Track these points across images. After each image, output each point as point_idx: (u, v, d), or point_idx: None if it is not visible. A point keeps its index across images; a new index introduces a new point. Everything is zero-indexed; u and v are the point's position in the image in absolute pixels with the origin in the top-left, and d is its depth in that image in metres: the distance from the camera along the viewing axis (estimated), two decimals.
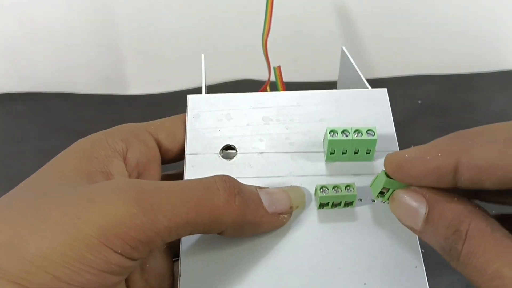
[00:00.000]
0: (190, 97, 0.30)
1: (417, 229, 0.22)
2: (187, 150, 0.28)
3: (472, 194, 0.23)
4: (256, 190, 0.24)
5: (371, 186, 0.25)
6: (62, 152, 0.24)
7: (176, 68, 0.62)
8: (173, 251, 0.26)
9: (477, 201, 0.22)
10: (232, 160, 0.27)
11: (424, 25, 0.60)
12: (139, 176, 0.26)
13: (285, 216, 0.25)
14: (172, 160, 0.28)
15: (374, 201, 0.26)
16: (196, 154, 0.28)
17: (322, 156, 0.28)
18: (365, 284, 0.24)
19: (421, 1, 0.58)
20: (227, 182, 0.22)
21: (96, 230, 0.19)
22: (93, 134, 0.26)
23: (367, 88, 0.33)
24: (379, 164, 0.27)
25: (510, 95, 0.61)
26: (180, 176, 0.29)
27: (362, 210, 0.26)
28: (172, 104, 0.61)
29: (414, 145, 0.22)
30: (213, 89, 0.60)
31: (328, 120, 0.29)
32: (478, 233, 0.19)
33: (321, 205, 0.26)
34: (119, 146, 0.25)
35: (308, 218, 0.26)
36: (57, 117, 0.59)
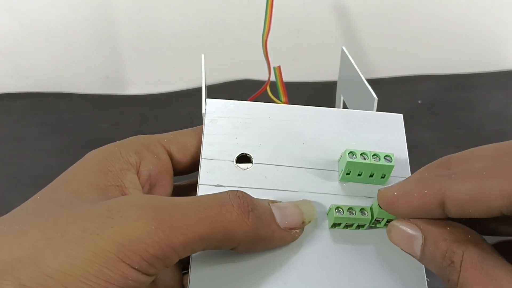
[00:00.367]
0: (209, 101, 0.29)
1: (416, 256, 0.22)
2: (203, 154, 0.27)
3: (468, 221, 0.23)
4: (269, 204, 0.24)
5: (370, 207, 0.25)
6: (76, 164, 0.25)
7: (176, 68, 0.62)
8: (182, 263, 0.26)
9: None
10: (247, 169, 0.27)
11: (424, 25, 0.60)
12: (151, 188, 0.26)
13: (297, 231, 0.25)
14: (184, 172, 0.28)
15: (374, 225, 0.26)
16: (211, 159, 0.27)
17: (336, 175, 0.27)
18: None
19: (421, 1, 0.58)
20: (241, 199, 0.22)
21: (115, 246, 0.19)
22: (106, 146, 0.26)
23: (367, 88, 0.33)
24: None
25: (510, 94, 0.61)
26: (192, 187, 0.29)
27: (373, 233, 0.26)
28: (172, 104, 0.61)
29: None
30: (213, 89, 0.60)
31: (344, 140, 0.29)
32: (470, 265, 0.20)
33: (334, 225, 0.26)
34: (132, 158, 0.25)
35: (319, 236, 0.26)
36: (57, 117, 0.59)
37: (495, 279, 0.19)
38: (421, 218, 0.22)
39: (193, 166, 0.28)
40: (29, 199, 0.23)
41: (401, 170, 0.28)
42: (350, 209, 0.25)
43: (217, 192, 0.24)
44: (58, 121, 0.59)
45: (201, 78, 0.32)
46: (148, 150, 0.26)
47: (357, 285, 0.24)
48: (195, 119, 0.58)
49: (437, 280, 0.22)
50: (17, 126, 0.58)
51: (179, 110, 0.60)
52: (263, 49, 0.40)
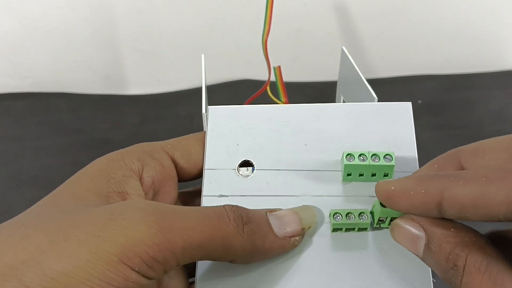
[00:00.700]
0: (210, 109, 0.29)
1: (419, 256, 0.22)
2: (206, 165, 0.28)
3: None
4: (266, 214, 0.24)
5: (371, 212, 0.25)
6: (80, 171, 0.25)
7: (176, 68, 0.62)
8: (188, 271, 0.26)
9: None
10: (249, 176, 0.27)
11: (424, 25, 0.60)
12: (155, 194, 0.26)
13: (297, 238, 0.25)
14: (189, 178, 0.28)
15: (379, 225, 0.25)
16: (214, 169, 0.27)
17: (339, 175, 0.27)
18: None
19: (421, 1, 0.58)
20: (236, 212, 0.23)
21: (117, 248, 0.19)
22: (110, 154, 0.26)
23: (367, 88, 0.33)
24: None
25: (510, 94, 0.61)
26: (197, 193, 0.29)
27: (376, 235, 0.25)
28: (172, 104, 0.61)
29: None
30: (213, 89, 0.60)
31: (348, 137, 0.28)
32: (474, 269, 0.19)
33: (335, 229, 0.26)
34: (135, 165, 0.26)
35: (321, 241, 0.25)
36: (57, 117, 0.59)
37: (499, 284, 0.19)
38: (426, 218, 0.22)
39: (198, 172, 0.28)
40: (33, 205, 0.23)
41: (409, 165, 0.27)
42: (348, 214, 0.25)
43: (220, 202, 0.25)
44: (58, 121, 0.59)
45: (201, 78, 0.32)
46: (151, 157, 0.26)
47: None
48: (195, 119, 0.58)
49: (442, 281, 0.22)
50: (17, 126, 0.58)
51: (179, 110, 0.60)
52: (263, 49, 0.40)
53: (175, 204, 0.28)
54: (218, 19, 0.58)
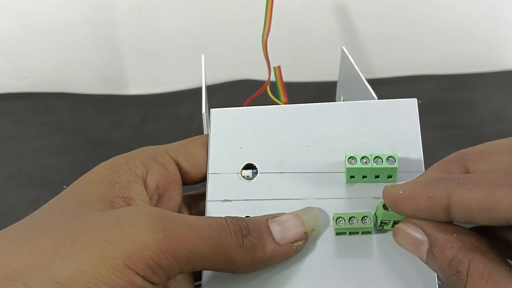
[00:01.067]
0: (213, 112, 0.29)
1: (423, 259, 0.22)
2: (209, 169, 0.27)
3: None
4: (267, 222, 0.24)
5: (375, 214, 0.25)
6: (84, 176, 0.25)
7: (176, 68, 0.62)
8: (195, 274, 0.26)
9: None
10: (253, 180, 0.27)
11: (424, 25, 0.60)
12: (160, 198, 0.26)
13: (300, 243, 0.24)
14: (193, 182, 0.28)
15: (382, 227, 0.25)
16: (218, 173, 0.27)
17: (343, 177, 0.27)
18: None
19: (421, 1, 0.58)
20: (236, 225, 0.23)
21: (122, 253, 0.19)
22: (114, 158, 0.26)
23: (367, 88, 0.33)
24: None
25: (510, 94, 0.61)
26: (201, 196, 0.29)
27: (380, 238, 0.25)
28: (172, 104, 0.61)
29: None
30: (213, 89, 0.60)
31: (351, 136, 0.27)
32: (477, 276, 0.19)
33: (338, 233, 0.25)
34: (139, 170, 0.25)
35: (325, 245, 0.25)
36: (57, 117, 0.59)
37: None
38: (428, 222, 0.22)
39: (202, 176, 0.28)
40: (38, 209, 0.23)
41: (414, 164, 0.26)
42: (351, 218, 0.25)
43: (224, 207, 0.25)
44: (58, 121, 0.59)
45: (201, 78, 0.32)
46: (156, 161, 0.26)
47: None
48: (195, 119, 0.58)
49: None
50: (17, 126, 0.58)
51: (179, 110, 0.60)
52: (263, 49, 0.40)
53: (179, 207, 0.28)
54: (218, 19, 0.58)
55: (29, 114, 0.60)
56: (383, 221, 0.24)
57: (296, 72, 0.61)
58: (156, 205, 0.26)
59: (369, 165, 0.25)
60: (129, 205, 0.24)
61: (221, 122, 0.29)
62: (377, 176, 0.26)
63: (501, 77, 0.63)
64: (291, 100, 0.40)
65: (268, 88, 0.42)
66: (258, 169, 0.27)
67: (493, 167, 0.22)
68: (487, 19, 0.60)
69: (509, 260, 0.20)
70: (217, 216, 0.24)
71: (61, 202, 0.23)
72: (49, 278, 0.18)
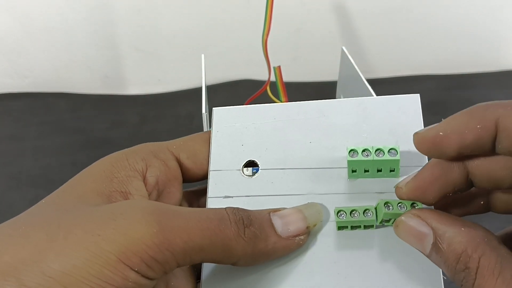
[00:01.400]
0: (215, 110, 0.29)
1: (425, 253, 0.21)
2: (211, 166, 0.27)
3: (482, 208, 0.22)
4: (269, 215, 0.24)
5: (375, 208, 0.24)
6: (83, 170, 0.25)
7: (176, 68, 0.62)
8: (196, 272, 0.26)
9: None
10: (254, 176, 0.27)
11: (424, 24, 0.60)
12: (159, 194, 0.26)
13: (302, 237, 0.24)
14: (195, 180, 0.28)
15: (382, 224, 0.25)
16: (219, 170, 0.27)
17: (345, 172, 0.26)
18: None
19: (421, 1, 0.58)
20: (237, 215, 0.22)
21: (115, 247, 0.19)
22: (114, 153, 0.26)
23: (367, 88, 0.33)
24: None
25: (510, 94, 0.61)
26: (202, 192, 0.29)
27: (382, 232, 0.25)
28: (172, 104, 0.61)
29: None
30: (213, 89, 0.60)
31: (354, 132, 0.27)
32: (487, 272, 0.19)
33: (340, 228, 0.25)
34: (139, 165, 0.25)
35: (327, 240, 0.25)
36: (57, 117, 0.59)
37: None
38: (433, 214, 0.21)
39: (204, 173, 0.28)
40: (35, 204, 0.23)
41: (418, 158, 0.26)
42: (353, 211, 0.24)
43: (225, 203, 0.25)
44: (58, 121, 0.59)
45: (201, 78, 0.32)
46: (156, 157, 0.26)
47: None
48: (195, 119, 0.58)
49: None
50: (17, 126, 0.58)
51: (179, 110, 0.60)
52: (263, 49, 0.40)
53: (179, 204, 0.27)
54: (218, 19, 0.58)
55: (28, 114, 0.60)
56: (384, 219, 0.24)
57: (296, 72, 0.61)
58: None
59: (370, 158, 0.25)
60: (126, 200, 0.24)
61: (223, 120, 0.29)
62: (379, 170, 0.26)
63: (501, 77, 0.63)
64: (291, 100, 0.40)
65: (268, 88, 0.42)
66: (259, 166, 0.27)
67: None
68: (487, 19, 0.60)
69: None
70: None
71: (58, 197, 0.23)
72: (41, 272, 0.18)
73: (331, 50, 0.60)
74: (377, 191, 0.26)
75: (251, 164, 0.27)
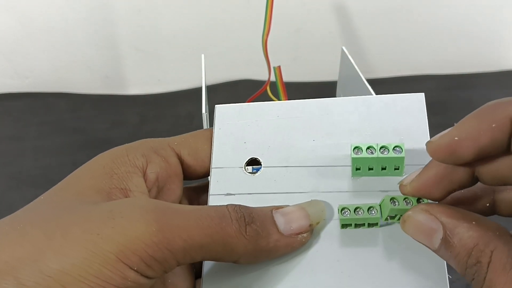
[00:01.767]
0: (217, 108, 0.29)
1: (433, 248, 0.21)
2: (213, 163, 0.27)
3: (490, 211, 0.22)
4: (271, 212, 0.23)
5: (380, 204, 0.24)
6: (82, 166, 0.25)
7: (176, 68, 0.62)
8: (195, 270, 0.26)
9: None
10: (257, 174, 0.27)
11: (424, 25, 0.60)
12: (159, 191, 0.26)
13: (304, 235, 0.24)
14: (196, 177, 0.28)
15: (387, 220, 0.24)
16: (221, 167, 0.27)
17: (349, 171, 0.26)
18: None
19: (421, 1, 0.58)
20: (238, 212, 0.22)
21: (114, 246, 0.19)
22: (114, 148, 0.25)
23: (367, 88, 0.33)
24: None
25: (510, 94, 0.61)
26: (203, 188, 0.29)
27: (387, 230, 0.24)
28: (172, 104, 0.61)
29: None
30: (213, 89, 0.60)
31: (358, 131, 0.27)
32: (499, 266, 0.18)
33: (344, 226, 0.25)
34: (139, 161, 0.25)
35: (330, 238, 0.25)
36: (57, 117, 0.59)
37: None
38: (443, 209, 0.21)
39: (205, 170, 0.28)
40: (33, 201, 0.23)
41: (422, 157, 0.25)
42: (357, 208, 0.24)
43: (227, 200, 0.24)
44: (58, 121, 0.59)
45: (201, 78, 0.32)
46: (157, 153, 0.26)
47: (373, 287, 0.23)
48: (195, 119, 0.58)
49: (457, 274, 0.21)
50: (17, 126, 0.58)
51: (179, 110, 0.60)
52: (263, 49, 0.40)
53: (179, 201, 0.27)
54: (218, 19, 0.58)
55: (28, 114, 0.60)
56: (389, 215, 0.24)
57: (296, 72, 0.61)
58: (155, 198, 0.26)
59: (375, 155, 0.24)
60: (126, 197, 0.24)
61: (226, 117, 0.28)
62: (383, 168, 0.25)
63: (501, 77, 0.63)
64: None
65: (268, 88, 0.42)
66: (262, 164, 0.27)
67: None
68: (487, 19, 0.60)
69: None
70: None
71: (56, 195, 0.23)
72: (39, 271, 0.18)
73: (331, 50, 0.60)
74: (381, 189, 0.25)
75: (253, 162, 0.27)
